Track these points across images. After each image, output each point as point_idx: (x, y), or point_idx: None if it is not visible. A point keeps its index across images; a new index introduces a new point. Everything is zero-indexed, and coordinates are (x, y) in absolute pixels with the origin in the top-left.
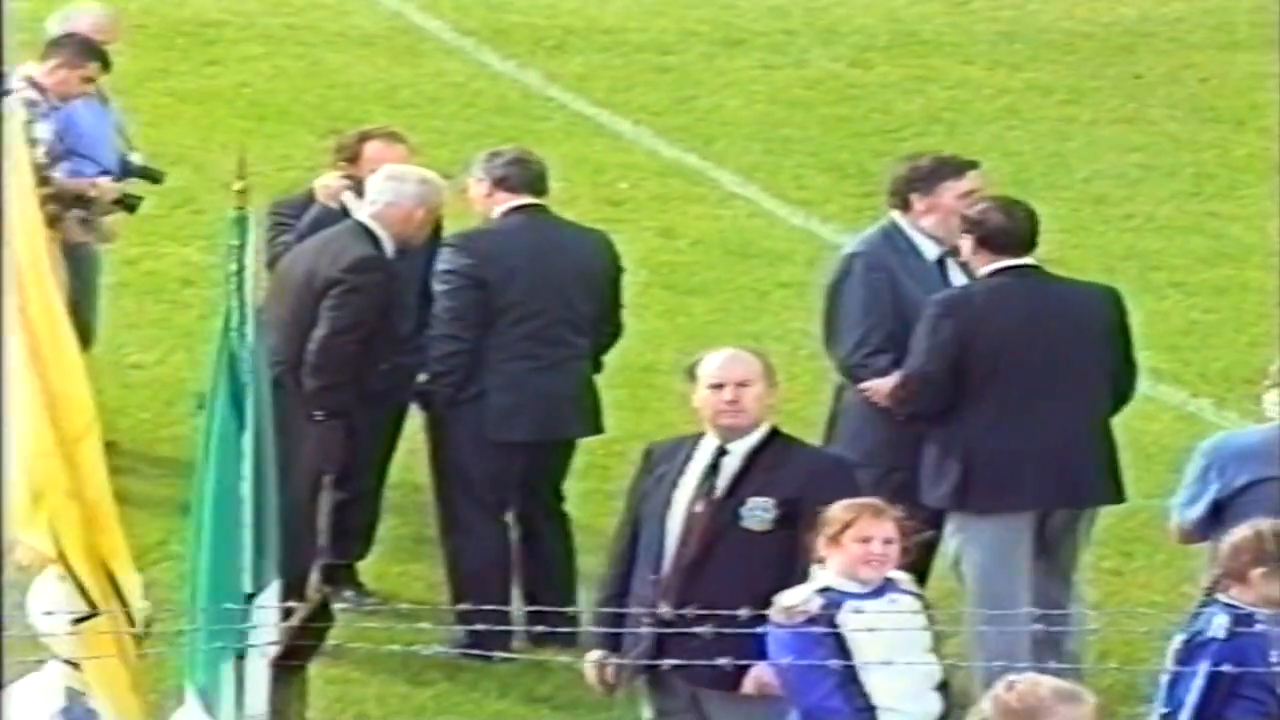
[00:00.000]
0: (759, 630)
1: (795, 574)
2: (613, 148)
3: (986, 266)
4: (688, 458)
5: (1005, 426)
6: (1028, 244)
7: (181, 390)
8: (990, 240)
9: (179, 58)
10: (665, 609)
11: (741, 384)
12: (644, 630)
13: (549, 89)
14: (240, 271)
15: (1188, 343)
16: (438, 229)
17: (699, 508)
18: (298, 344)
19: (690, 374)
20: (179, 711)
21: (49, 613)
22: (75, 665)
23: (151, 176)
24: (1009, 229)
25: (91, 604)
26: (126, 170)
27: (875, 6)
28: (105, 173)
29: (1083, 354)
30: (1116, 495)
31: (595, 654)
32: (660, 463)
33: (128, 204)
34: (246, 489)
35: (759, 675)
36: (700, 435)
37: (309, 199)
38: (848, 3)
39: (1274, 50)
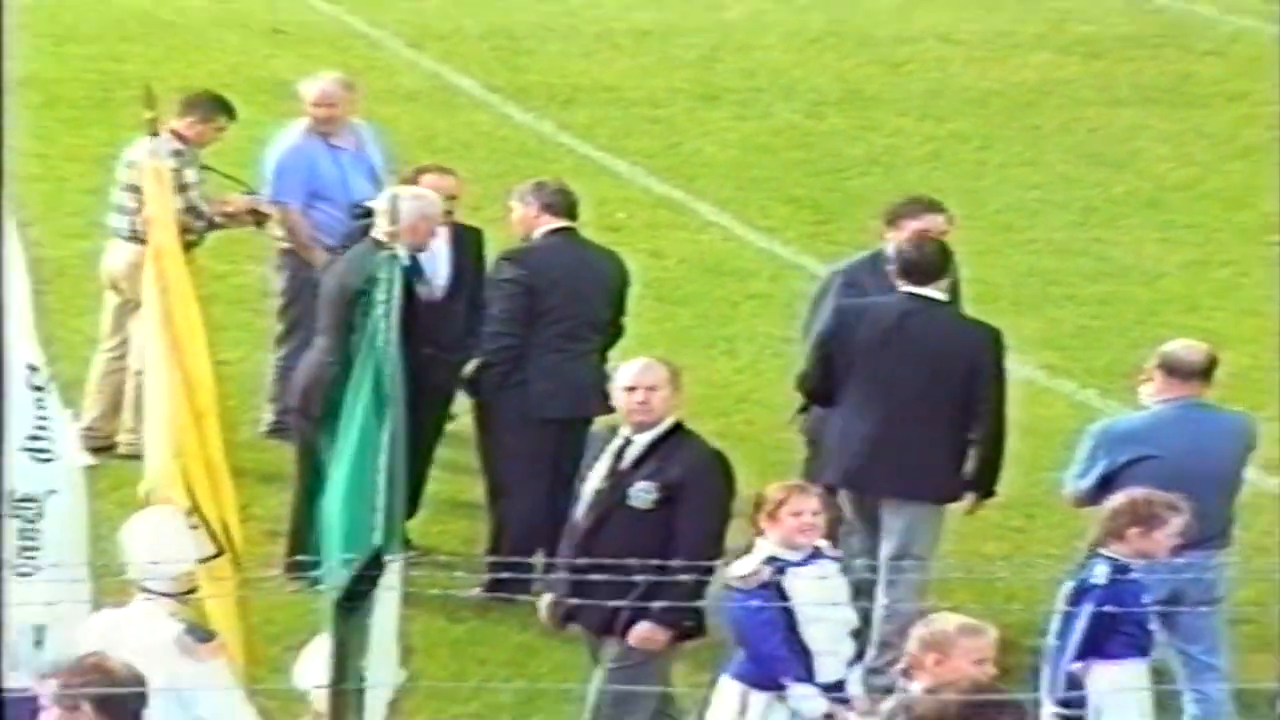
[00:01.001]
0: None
1: (672, 547)
2: (613, 184)
3: (901, 289)
4: (606, 444)
5: (855, 422)
6: (931, 275)
7: (260, 383)
8: (902, 269)
9: (261, 110)
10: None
11: (650, 388)
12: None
13: (560, 136)
14: (388, 300)
15: (1078, 344)
16: (476, 258)
17: (601, 486)
18: (344, 346)
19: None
20: (307, 651)
21: (154, 561)
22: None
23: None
24: (916, 261)
25: (219, 548)
26: (364, 211)
27: (827, 69)
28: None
29: (939, 381)
30: (922, 495)
31: (546, 597)
32: (593, 447)
33: (257, 219)
34: (382, 472)
35: (642, 630)
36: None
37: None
38: (804, 65)
39: (1150, 106)
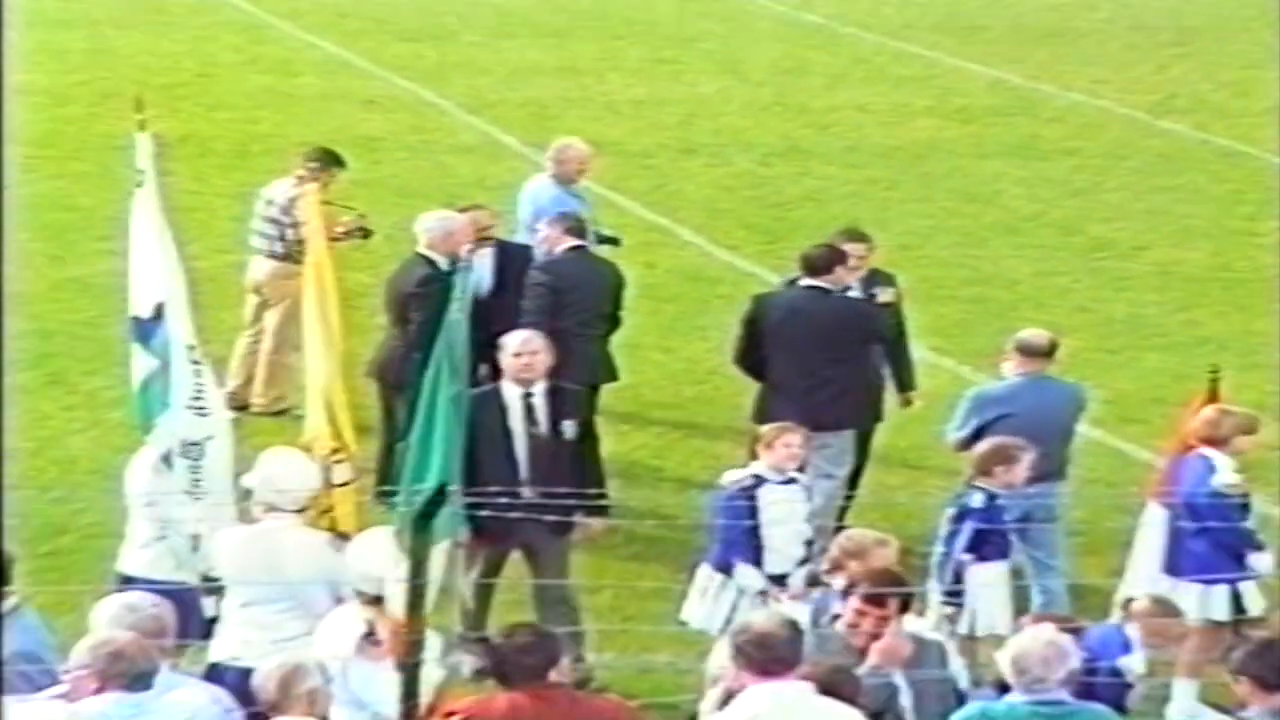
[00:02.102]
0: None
1: (585, 465)
2: (615, 214)
3: (800, 283)
4: (500, 400)
5: (776, 380)
6: (820, 271)
7: (354, 365)
8: (801, 267)
9: (359, 160)
10: (530, 492)
11: (533, 353)
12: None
13: None
14: (461, 297)
15: (957, 332)
16: (521, 268)
17: (534, 429)
18: (405, 333)
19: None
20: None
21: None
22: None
23: (612, 240)
24: (808, 258)
25: (355, 475)
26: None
27: (774, 130)
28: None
29: (836, 343)
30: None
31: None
32: (480, 407)
33: (364, 234)
34: (443, 425)
35: (595, 523)
36: (496, 386)
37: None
38: (758, 127)
39: (1009, 158)
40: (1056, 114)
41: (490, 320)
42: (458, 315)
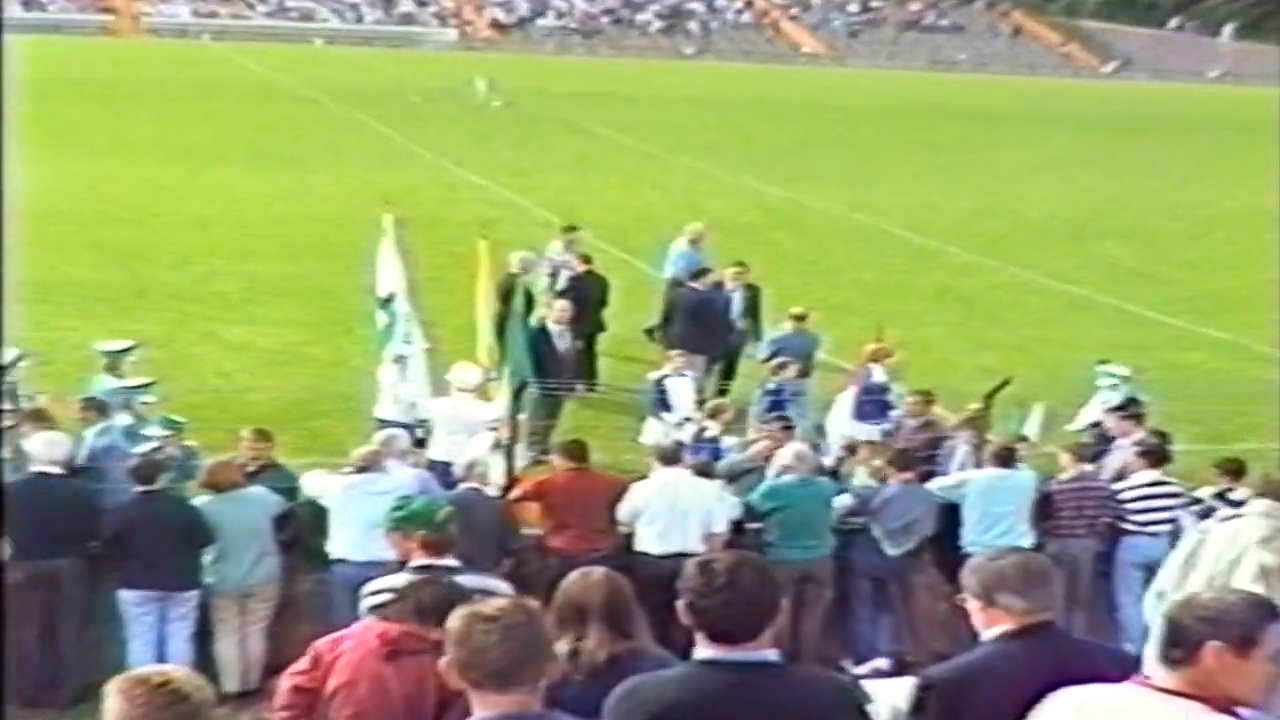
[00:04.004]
0: None
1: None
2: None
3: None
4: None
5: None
6: (702, 275)
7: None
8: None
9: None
10: None
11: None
12: None
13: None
14: (528, 301)
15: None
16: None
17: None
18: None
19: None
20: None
21: None
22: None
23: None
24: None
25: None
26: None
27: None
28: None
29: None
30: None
31: None
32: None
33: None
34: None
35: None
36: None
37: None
38: (711, 208)
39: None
40: None
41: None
42: (521, 313)
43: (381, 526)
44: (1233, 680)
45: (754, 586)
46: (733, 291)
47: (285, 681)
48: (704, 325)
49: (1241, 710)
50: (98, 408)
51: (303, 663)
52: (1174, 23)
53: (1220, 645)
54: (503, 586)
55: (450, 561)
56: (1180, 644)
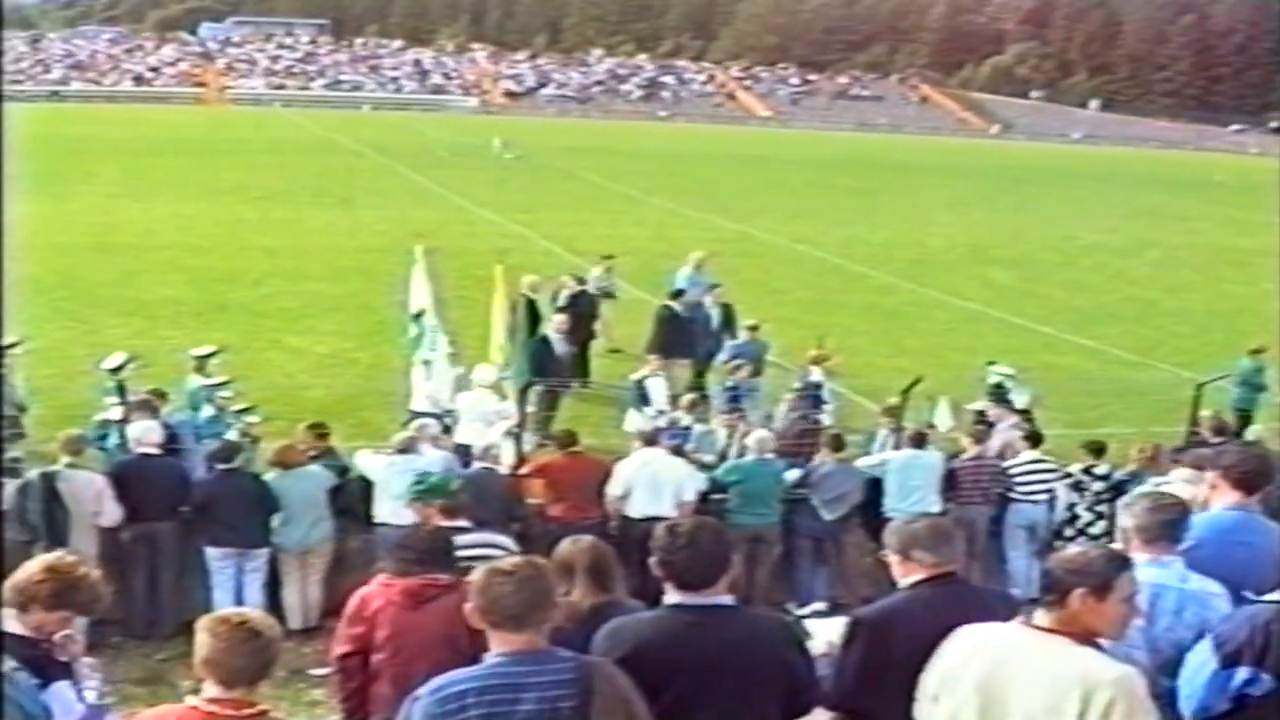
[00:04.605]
0: None
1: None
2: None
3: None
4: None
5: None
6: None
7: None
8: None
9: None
10: None
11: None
12: None
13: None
14: (527, 317)
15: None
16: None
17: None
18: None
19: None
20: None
21: None
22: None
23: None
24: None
25: None
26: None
27: (670, 248)
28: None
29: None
30: None
31: None
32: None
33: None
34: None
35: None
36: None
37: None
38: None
39: None
40: None
41: (575, 331)
42: (523, 326)
43: (406, 498)
44: (1094, 619)
45: (711, 544)
46: (711, 308)
47: (338, 649)
48: (683, 337)
49: (1102, 642)
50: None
51: (347, 626)
52: (1036, 94)
53: (1084, 590)
54: (511, 544)
55: (463, 523)
56: (1053, 590)
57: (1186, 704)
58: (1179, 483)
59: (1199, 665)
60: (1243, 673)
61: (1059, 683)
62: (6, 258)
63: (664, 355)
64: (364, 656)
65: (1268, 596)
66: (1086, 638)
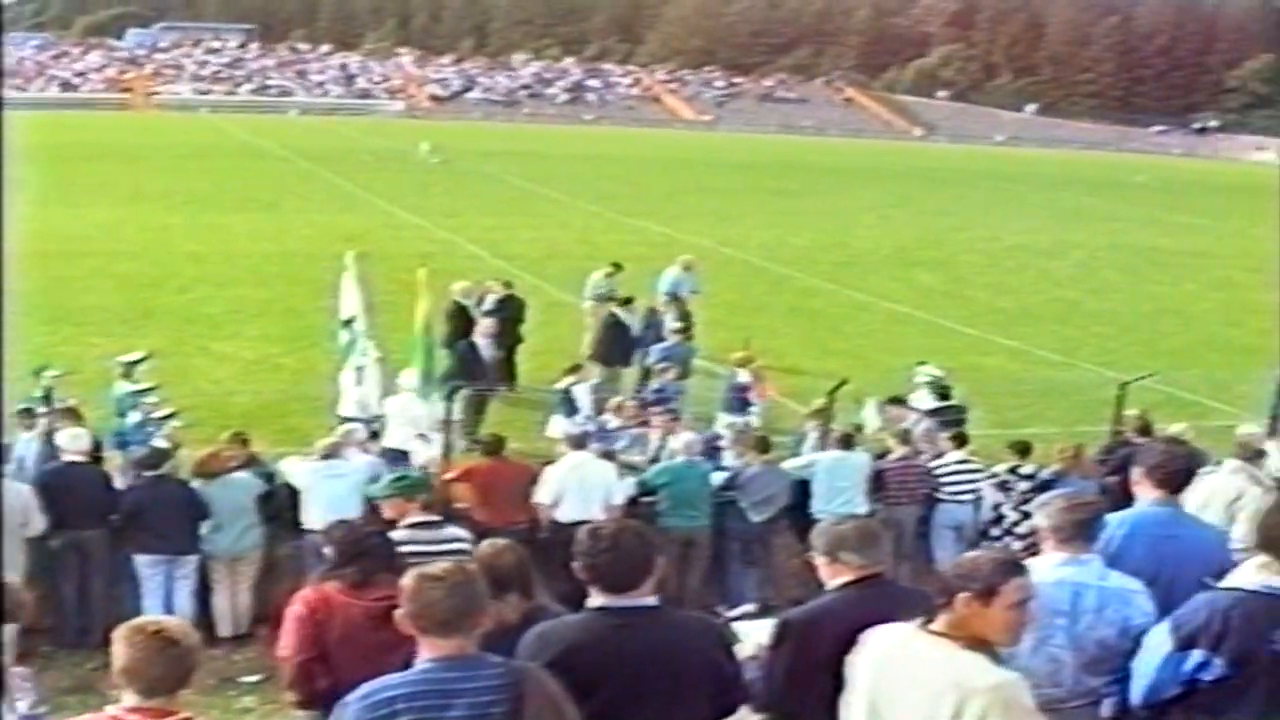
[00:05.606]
0: None
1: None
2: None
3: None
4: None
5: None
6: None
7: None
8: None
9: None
10: None
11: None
12: None
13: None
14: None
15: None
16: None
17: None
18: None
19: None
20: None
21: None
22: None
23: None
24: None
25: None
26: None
27: (596, 252)
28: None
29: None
30: None
31: None
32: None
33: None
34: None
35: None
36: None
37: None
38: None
39: None
40: None
41: (501, 336)
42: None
43: (381, 494)
44: (981, 624)
45: (633, 546)
46: (663, 315)
47: (295, 659)
48: (627, 344)
49: (1000, 650)
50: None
51: (293, 638)
52: (942, 93)
53: (969, 595)
54: (465, 535)
55: (438, 517)
56: (943, 594)
57: (1138, 686)
58: (1226, 473)
59: (1154, 647)
60: (1196, 655)
61: (935, 689)
62: (6, 260)
63: (606, 363)
64: (321, 658)
65: (1226, 584)
66: (975, 643)
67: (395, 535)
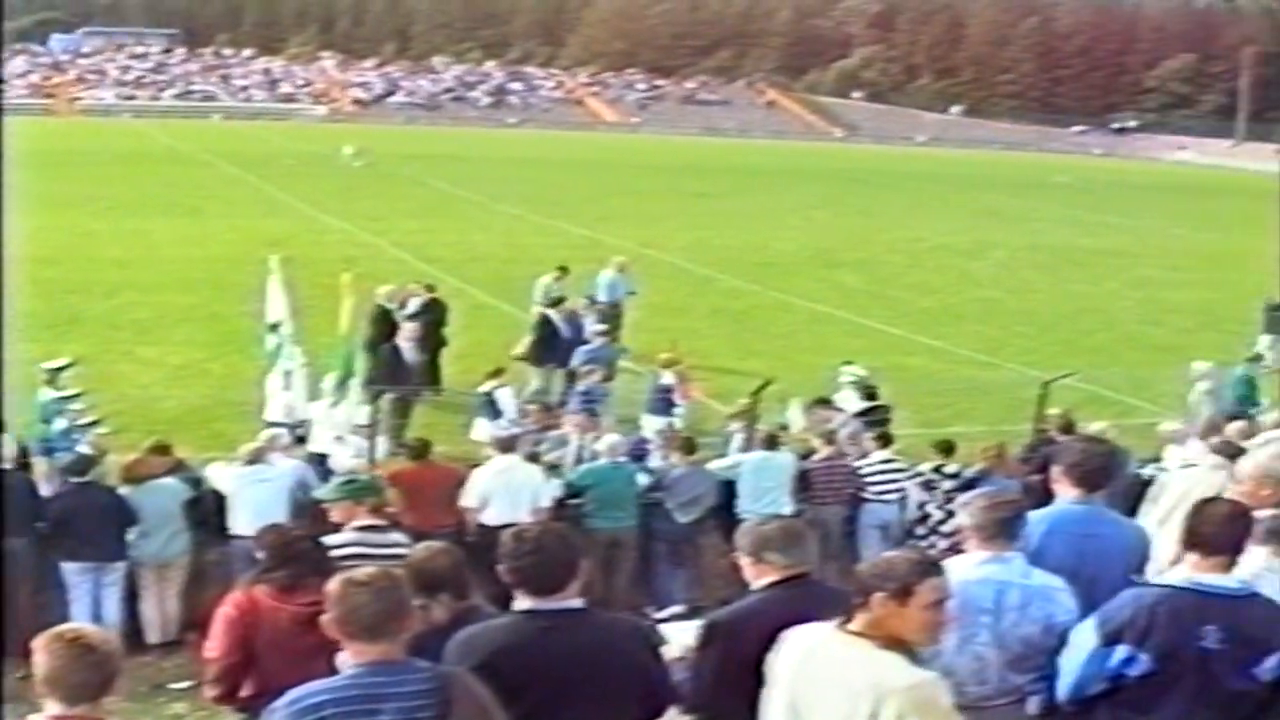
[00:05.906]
0: None
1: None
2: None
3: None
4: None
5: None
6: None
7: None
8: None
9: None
10: None
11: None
12: None
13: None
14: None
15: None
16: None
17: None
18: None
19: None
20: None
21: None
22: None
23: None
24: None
25: None
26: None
27: (519, 254)
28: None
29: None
30: None
31: None
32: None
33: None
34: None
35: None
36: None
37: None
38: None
39: None
40: None
41: (423, 340)
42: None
43: (330, 497)
44: (898, 624)
45: (557, 548)
46: (584, 318)
47: (222, 660)
48: (558, 345)
49: (924, 650)
50: None
51: (221, 639)
52: (857, 94)
53: (884, 595)
54: (403, 539)
55: (384, 521)
56: (860, 594)
57: (1064, 683)
58: (1206, 469)
59: (1080, 643)
60: (1121, 651)
61: (853, 689)
62: (6, 264)
63: (538, 364)
64: (247, 661)
65: (1156, 579)
66: (892, 643)
67: (343, 538)
